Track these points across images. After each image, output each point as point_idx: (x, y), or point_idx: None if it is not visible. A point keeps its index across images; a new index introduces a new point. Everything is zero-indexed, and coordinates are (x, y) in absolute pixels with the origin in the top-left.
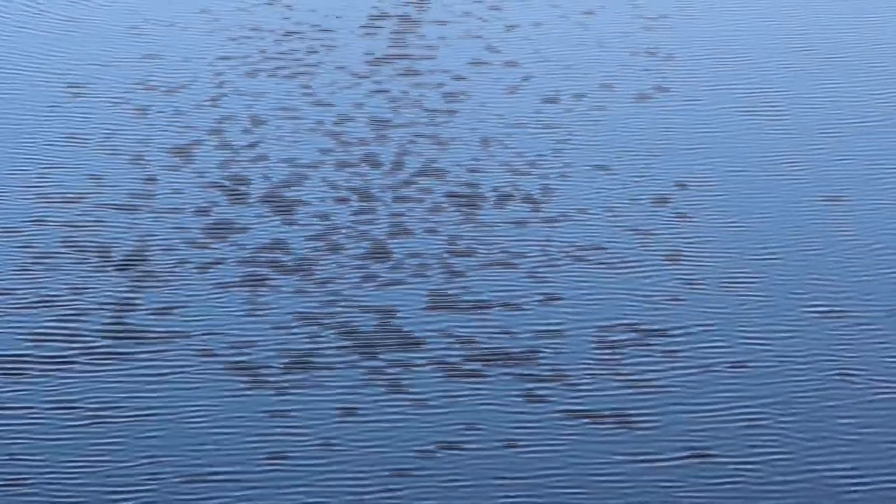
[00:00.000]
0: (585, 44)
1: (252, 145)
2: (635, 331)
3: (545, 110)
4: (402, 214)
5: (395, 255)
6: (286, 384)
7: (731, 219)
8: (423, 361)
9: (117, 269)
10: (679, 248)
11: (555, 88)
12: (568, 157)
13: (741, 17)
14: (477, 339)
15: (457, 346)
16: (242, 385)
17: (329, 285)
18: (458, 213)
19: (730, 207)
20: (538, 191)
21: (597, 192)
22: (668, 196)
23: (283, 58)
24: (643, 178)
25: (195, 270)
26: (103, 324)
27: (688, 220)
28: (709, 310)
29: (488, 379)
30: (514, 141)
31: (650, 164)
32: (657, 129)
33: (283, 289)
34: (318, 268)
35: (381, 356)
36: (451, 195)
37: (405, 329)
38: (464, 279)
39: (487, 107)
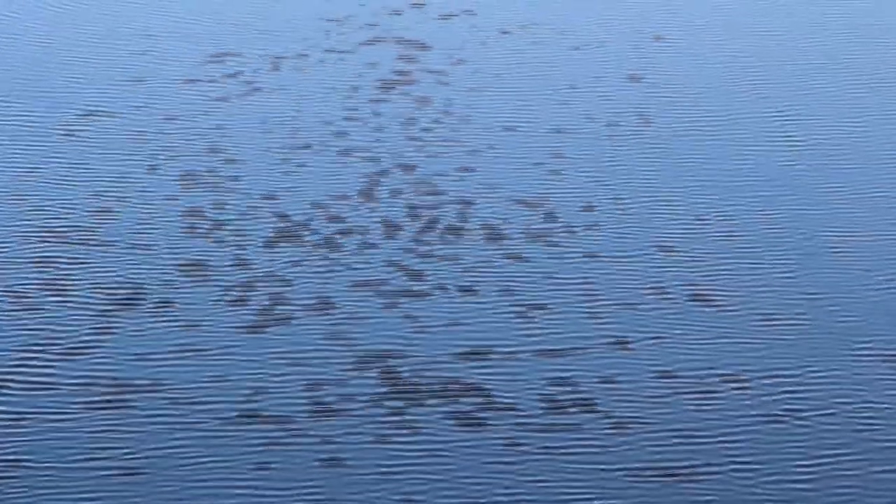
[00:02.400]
0: (605, 72)
1: (248, 176)
2: (692, 377)
3: (570, 141)
4: (426, 250)
5: (428, 295)
6: (301, 433)
7: (766, 256)
8: (471, 409)
9: (111, 310)
10: (711, 288)
11: (579, 117)
12: (599, 191)
13: (768, 39)
14: (527, 386)
15: (505, 393)
16: (250, 435)
17: (360, 325)
18: (494, 249)
19: (766, 246)
20: (571, 229)
21: (618, 229)
22: (702, 232)
23: (262, 81)
24: (678, 216)
25: (195, 311)
26: (98, 370)
27: (721, 258)
28: (757, 355)
29: (538, 428)
30: (545, 175)
31: (685, 199)
32: (689, 161)
33: (295, 331)
34: (345, 307)
35: (415, 404)
36: (483, 229)
37: (445, 376)
38: (511, 321)
39: (502, 137)
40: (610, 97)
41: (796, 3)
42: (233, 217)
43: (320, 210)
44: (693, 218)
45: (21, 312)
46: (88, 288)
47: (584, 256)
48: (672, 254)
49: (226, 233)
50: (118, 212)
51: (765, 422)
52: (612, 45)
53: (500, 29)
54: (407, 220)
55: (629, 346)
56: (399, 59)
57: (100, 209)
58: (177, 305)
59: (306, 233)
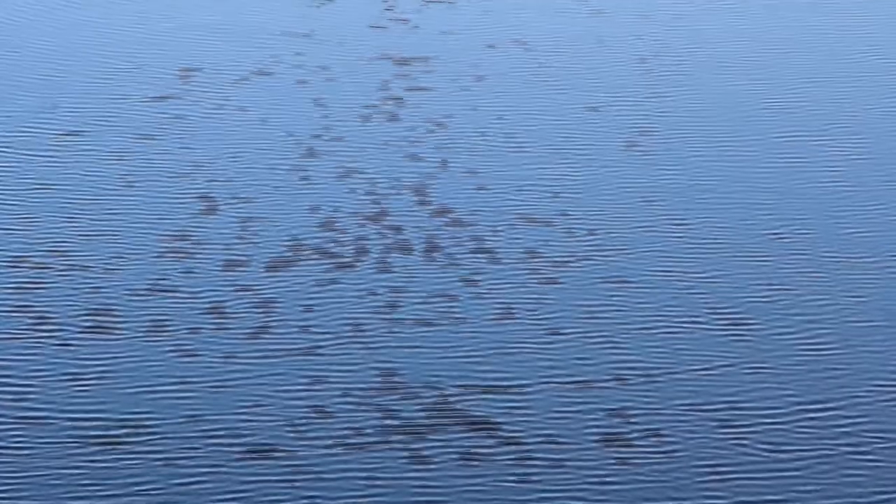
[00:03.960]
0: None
1: (240, 196)
2: (719, 409)
3: (600, 161)
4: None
5: (441, 322)
6: (310, 469)
7: (792, 281)
8: (495, 443)
9: (107, 339)
10: (741, 315)
11: (594, 136)
12: (619, 213)
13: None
14: (541, 419)
15: (515, 428)
16: (258, 470)
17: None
18: (510, 273)
19: (792, 270)
20: (597, 255)
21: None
22: (729, 256)
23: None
24: (707, 238)
25: (192, 339)
26: (100, 403)
27: (750, 283)
28: (784, 388)
29: (551, 464)
30: (577, 199)
31: (708, 222)
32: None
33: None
34: (371, 335)
35: (428, 438)
36: (498, 252)
37: (469, 408)
38: (530, 350)
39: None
40: (626, 116)
41: (817, 18)
42: (228, 240)
43: (323, 234)
44: (718, 241)
45: (5, 342)
46: (75, 315)
47: (609, 282)
48: (701, 279)
49: (221, 256)
50: (100, 236)
51: (788, 458)
52: (626, 62)
53: (495, 45)
54: (414, 242)
55: (654, 377)
56: (400, 77)
57: (84, 234)
58: (176, 334)
59: (310, 257)
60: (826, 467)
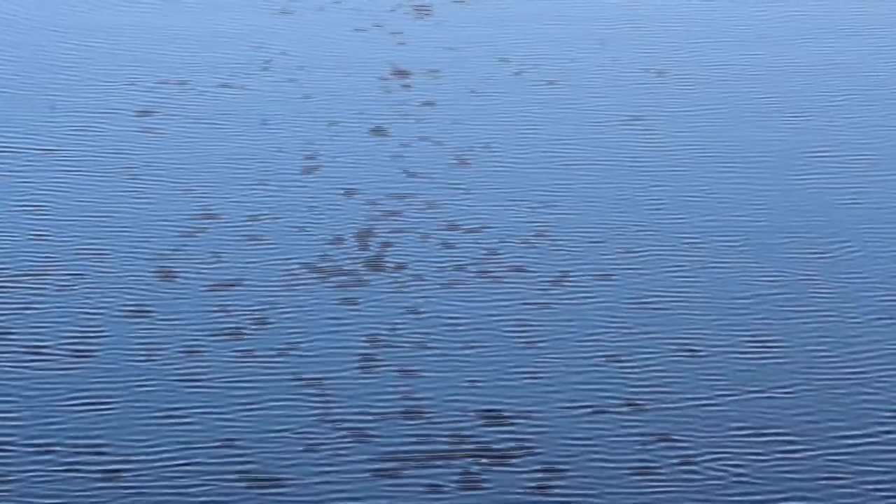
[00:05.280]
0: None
1: (230, 216)
2: (738, 436)
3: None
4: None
5: (442, 346)
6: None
7: (814, 300)
8: (507, 471)
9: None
10: (772, 337)
11: (601, 152)
12: (634, 231)
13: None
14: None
15: (552, 456)
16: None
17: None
18: (517, 292)
19: (813, 289)
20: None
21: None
22: (752, 275)
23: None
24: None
25: (188, 362)
26: (98, 434)
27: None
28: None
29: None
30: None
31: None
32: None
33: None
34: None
35: (447, 466)
36: (507, 271)
37: (480, 436)
38: (531, 377)
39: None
40: (638, 131)
41: (835, 29)
42: (223, 260)
43: (326, 254)
44: (740, 261)
45: None
46: (65, 339)
47: (625, 302)
48: (723, 299)
49: (218, 277)
50: (90, 254)
51: (814, 484)
52: (637, 75)
53: (501, 57)
54: (421, 262)
55: (676, 402)
56: (403, 89)
57: (73, 251)
58: (173, 357)
59: (313, 278)
60: (853, 498)
